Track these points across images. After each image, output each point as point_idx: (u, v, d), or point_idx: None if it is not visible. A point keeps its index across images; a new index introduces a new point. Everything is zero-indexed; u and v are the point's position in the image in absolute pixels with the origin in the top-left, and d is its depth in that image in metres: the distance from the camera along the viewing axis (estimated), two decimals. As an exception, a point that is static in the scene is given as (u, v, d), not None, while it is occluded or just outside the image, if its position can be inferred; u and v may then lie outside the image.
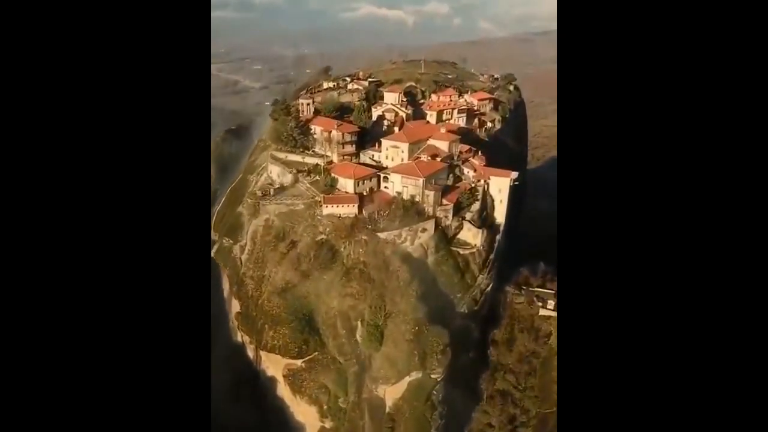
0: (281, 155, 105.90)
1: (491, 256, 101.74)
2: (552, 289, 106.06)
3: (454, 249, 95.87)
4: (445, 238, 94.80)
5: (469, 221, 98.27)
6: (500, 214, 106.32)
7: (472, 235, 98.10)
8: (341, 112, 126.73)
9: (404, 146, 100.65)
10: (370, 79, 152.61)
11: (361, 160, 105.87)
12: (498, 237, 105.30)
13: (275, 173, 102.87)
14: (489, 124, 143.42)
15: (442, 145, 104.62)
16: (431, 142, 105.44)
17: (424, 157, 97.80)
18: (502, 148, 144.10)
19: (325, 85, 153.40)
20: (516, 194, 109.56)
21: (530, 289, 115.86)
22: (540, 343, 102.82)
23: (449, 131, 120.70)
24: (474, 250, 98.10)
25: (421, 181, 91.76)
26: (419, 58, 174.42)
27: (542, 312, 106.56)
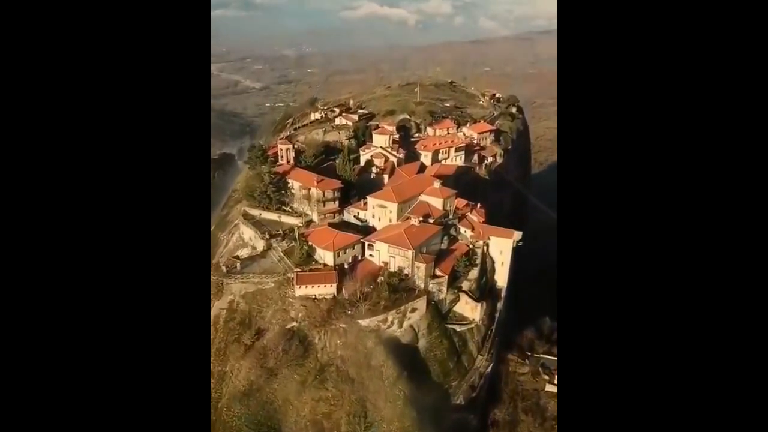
0: (255, 212, 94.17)
1: (491, 329, 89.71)
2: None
3: (450, 326, 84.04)
4: (439, 315, 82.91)
5: (467, 292, 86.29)
6: (502, 279, 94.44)
7: (470, 309, 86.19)
8: (326, 154, 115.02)
9: (393, 206, 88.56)
10: (360, 110, 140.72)
11: (345, 218, 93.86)
12: (499, 305, 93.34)
13: (247, 235, 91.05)
14: (490, 159, 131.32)
15: (436, 202, 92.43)
16: (423, 197, 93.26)
17: (415, 220, 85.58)
18: (504, 187, 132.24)
19: (312, 116, 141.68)
20: (516, 254, 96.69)
21: (535, 355, 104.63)
22: (547, 427, 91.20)
23: (445, 175, 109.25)
24: (472, 325, 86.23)
25: (410, 253, 79.72)
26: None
27: (549, 387, 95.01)
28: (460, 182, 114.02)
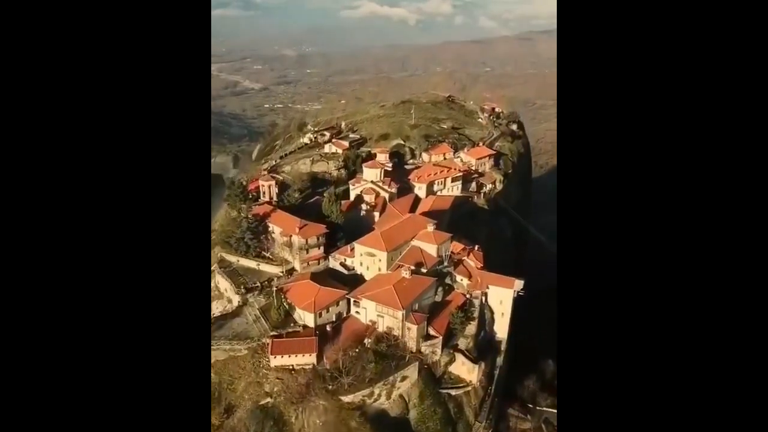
0: (232, 258, 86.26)
1: (490, 389, 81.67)
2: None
3: (444, 391, 76.01)
4: (433, 380, 74.90)
5: (463, 352, 78.26)
6: (502, 330, 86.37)
7: (466, 370, 78.11)
8: (313, 188, 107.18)
9: (382, 255, 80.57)
10: (351, 135, 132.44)
11: (330, 266, 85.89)
12: (499, 360, 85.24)
13: (222, 286, 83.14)
14: (489, 186, 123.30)
15: (429, 248, 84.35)
16: (416, 243, 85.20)
17: (406, 271, 77.44)
18: (504, 217, 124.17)
19: (301, 140, 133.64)
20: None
21: (538, 408, 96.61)
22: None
23: (441, 210, 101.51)
24: (469, 388, 78.21)
25: (400, 314, 71.75)
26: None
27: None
28: (457, 214, 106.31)
